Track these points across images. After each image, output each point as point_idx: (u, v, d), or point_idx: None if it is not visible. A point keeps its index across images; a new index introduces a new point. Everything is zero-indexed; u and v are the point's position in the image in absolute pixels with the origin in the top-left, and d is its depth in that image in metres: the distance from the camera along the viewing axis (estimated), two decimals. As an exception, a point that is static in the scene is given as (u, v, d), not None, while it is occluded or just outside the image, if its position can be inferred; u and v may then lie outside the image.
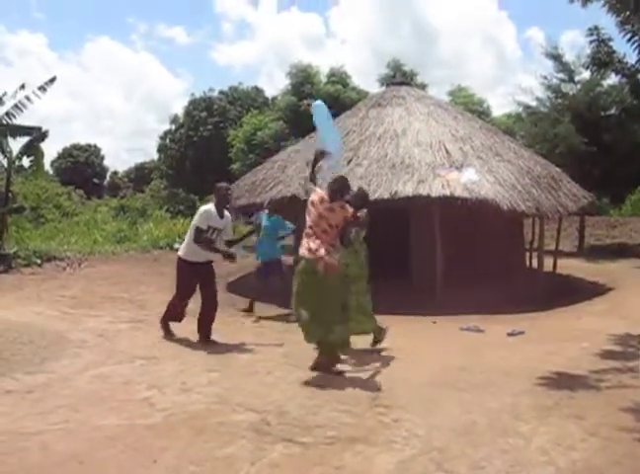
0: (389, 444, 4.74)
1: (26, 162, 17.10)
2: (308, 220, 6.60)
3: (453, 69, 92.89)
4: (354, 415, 5.35)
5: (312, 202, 6.63)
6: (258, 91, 42.04)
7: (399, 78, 14.49)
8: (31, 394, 5.97)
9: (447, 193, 10.26)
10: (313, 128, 16.13)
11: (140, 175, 70.17)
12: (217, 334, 8.34)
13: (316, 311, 6.45)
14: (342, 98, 21.47)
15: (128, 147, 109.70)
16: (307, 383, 6.25)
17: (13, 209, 17.47)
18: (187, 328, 8.69)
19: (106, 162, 75.87)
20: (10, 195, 17.14)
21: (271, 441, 4.79)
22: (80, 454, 4.56)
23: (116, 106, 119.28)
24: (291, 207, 11.89)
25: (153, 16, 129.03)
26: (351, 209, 6.59)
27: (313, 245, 6.43)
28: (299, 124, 20.48)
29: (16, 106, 16.17)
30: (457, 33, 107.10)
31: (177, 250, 9.03)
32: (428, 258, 11.11)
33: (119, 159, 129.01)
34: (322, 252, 6.36)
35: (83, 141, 74.01)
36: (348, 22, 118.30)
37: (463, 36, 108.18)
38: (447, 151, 11.45)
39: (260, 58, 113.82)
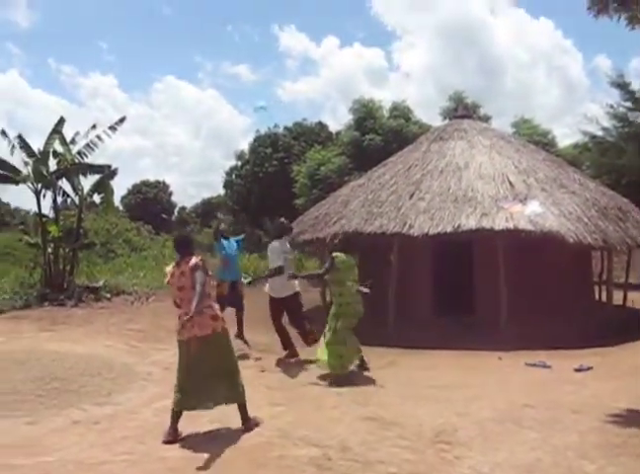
0: (451, 482, 4.70)
1: (97, 199, 17.71)
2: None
3: (519, 100, 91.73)
4: (415, 451, 5.33)
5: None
6: (322, 126, 42.36)
7: (461, 111, 14.43)
8: (97, 425, 6.21)
9: (511, 226, 10.15)
10: (376, 162, 16.40)
11: (207, 210, 71.24)
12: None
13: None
14: (404, 132, 21.54)
15: (195, 182, 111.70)
16: (370, 419, 6.23)
17: (84, 245, 18.02)
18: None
19: (173, 198, 77.41)
20: (81, 231, 17.72)
21: (331, 477, 4.80)
22: (143, 486, 4.69)
23: (183, 142, 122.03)
24: (354, 242, 11.96)
25: (219, 54, 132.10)
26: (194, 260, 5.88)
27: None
28: (362, 159, 20.63)
29: (87, 145, 16.83)
30: (522, 63, 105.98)
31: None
32: (492, 291, 10.94)
33: (186, 194, 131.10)
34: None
35: (152, 177, 75.88)
36: (411, 55, 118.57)
37: (528, 66, 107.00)
38: (511, 183, 11.35)
39: (323, 94, 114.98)
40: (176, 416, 5.86)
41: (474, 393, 7.17)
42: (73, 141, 16.99)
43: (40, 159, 16.17)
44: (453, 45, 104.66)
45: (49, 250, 16.23)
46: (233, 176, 41.82)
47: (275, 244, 9.29)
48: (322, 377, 8.18)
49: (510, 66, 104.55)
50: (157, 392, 7.48)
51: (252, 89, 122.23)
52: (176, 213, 78.77)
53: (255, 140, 40.03)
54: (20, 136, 16.40)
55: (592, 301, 13.05)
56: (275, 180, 36.61)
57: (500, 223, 10.22)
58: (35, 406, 6.81)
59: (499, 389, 7.38)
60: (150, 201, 70.34)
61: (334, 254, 8.56)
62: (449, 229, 10.33)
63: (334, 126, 42.33)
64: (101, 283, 16.73)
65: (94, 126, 16.93)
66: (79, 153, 16.86)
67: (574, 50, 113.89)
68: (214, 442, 5.65)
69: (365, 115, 22.45)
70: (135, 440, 5.69)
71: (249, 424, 6.00)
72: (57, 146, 16.69)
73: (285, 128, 40.99)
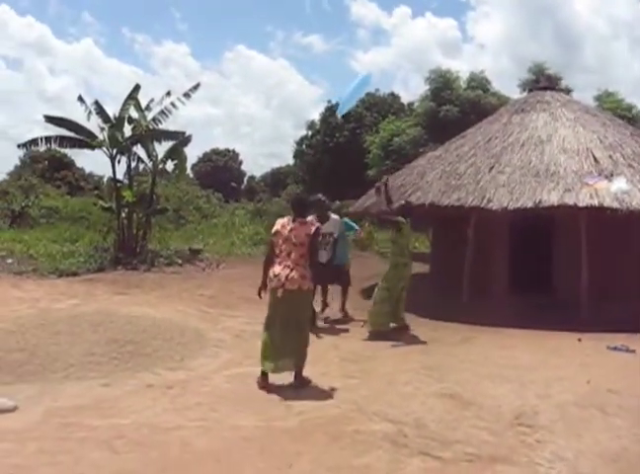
0: (532, 467, 4.52)
1: (169, 166, 17.91)
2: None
3: (598, 74, 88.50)
4: (494, 433, 5.13)
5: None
6: (394, 97, 41.92)
7: (544, 82, 13.85)
8: (171, 390, 6.21)
9: (596, 203, 9.68)
10: (452, 134, 15.98)
11: (276, 180, 71.57)
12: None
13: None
14: (482, 103, 20.93)
15: (265, 152, 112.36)
16: (447, 396, 6.06)
17: (157, 211, 18.27)
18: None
19: (243, 167, 78.17)
20: (154, 196, 17.95)
21: (407, 454, 4.68)
22: (217, 453, 4.66)
23: (254, 112, 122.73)
24: (430, 214, 11.72)
25: (290, 24, 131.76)
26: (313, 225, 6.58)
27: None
28: (438, 130, 20.11)
29: (162, 111, 17.01)
30: (602, 36, 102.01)
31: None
32: (572, 271, 10.54)
33: (256, 164, 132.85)
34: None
35: (222, 146, 76.64)
36: (485, 26, 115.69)
37: (609, 39, 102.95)
38: (596, 159, 10.82)
39: (395, 64, 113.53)
40: (262, 377, 6.33)
41: (554, 375, 6.88)
42: (148, 108, 17.19)
43: (116, 125, 16.42)
44: (530, 16, 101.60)
45: (123, 215, 16.54)
46: (303, 146, 41.89)
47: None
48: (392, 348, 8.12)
49: (589, 38, 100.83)
50: (229, 359, 7.48)
51: (323, 59, 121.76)
52: (245, 182, 79.46)
53: (326, 110, 39.82)
54: (96, 102, 16.70)
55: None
56: (345, 150, 36.43)
57: (584, 200, 9.75)
58: (109, 368, 6.88)
59: (580, 372, 7.05)
60: (220, 170, 71.20)
61: (399, 218, 9.22)
62: (530, 204, 9.92)
63: (406, 98, 41.95)
64: (201, 246, 18.04)
65: (168, 93, 17.10)
66: (153, 120, 17.06)
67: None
68: (289, 410, 5.60)
69: (442, 85, 21.90)
70: (208, 407, 5.66)
71: (302, 381, 6.39)
72: (132, 112, 16.95)
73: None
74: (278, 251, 6.38)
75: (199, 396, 6.00)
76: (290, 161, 50.47)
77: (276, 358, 6.29)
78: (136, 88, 16.92)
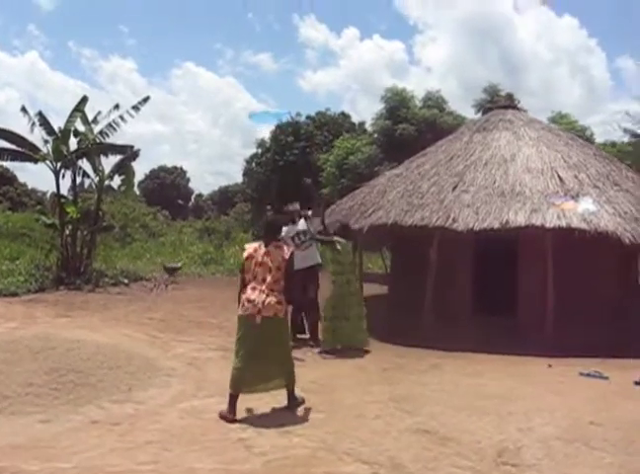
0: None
1: (116, 181, 17.25)
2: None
3: (541, 99, 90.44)
4: (479, 473, 4.66)
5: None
6: (345, 116, 41.75)
7: (505, 101, 13.64)
8: (117, 426, 5.64)
9: (563, 223, 9.42)
10: (408, 153, 15.71)
11: (224, 198, 71.15)
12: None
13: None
14: (438, 122, 20.78)
15: (213, 170, 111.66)
16: (421, 431, 5.59)
17: (103, 228, 17.54)
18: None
19: (190, 184, 77.40)
20: (100, 213, 17.23)
21: (385, 502, 4.19)
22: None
23: (201, 129, 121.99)
24: (387, 234, 11.35)
25: (239, 43, 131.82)
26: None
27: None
28: (394, 149, 19.90)
29: (109, 125, 16.42)
30: (545, 62, 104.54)
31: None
32: (536, 292, 10.27)
33: (203, 182, 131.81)
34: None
35: (170, 164, 75.79)
36: (432, 50, 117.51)
37: (551, 65, 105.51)
38: (561, 179, 10.58)
39: (343, 85, 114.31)
40: (233, 400, 5.94)
41: (531, 406, 6.49)
42: (95, 121, 16.60)
43: (61, 137, 15.72)
44: (476, 41, 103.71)
45: (67, 232, 15.78)
46: (253, 164, 41.32)
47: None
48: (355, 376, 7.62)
49: (533, 64, 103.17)
50: (181, 390, 6.89)
51: (272, 78, 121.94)
52: (192, 200, 78.57)
53: (276, 128, 39.42)
54: (40, 113, 16.00)
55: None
56: (296, 168, 36.06)
57: (551, 220, 9.47)
58: (49, 401, 6.22)
59: (557, 402, 6.69)
60: (167, 187, 70.32)
61: (335, 238, 9.57)
62: (497, 225, 9.59)
63: (355, 118, 41.87)
64: (179, 264, 18.62)
65: (116, 106, 16.54)
66: (101, 133, 16.48)
67: (598, 50, 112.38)
68: (249, 451, 5.06)
69: (398, 103, 21.69)
70: (160, 447, 5.09)
71: (294, 403, 6.27)
72: (79, 125, 16.27)
73: (308, 117, 40.39)
74: (250, 276, 6.15)
75: (149, 434, 5.42)
76: (238, 179, 50.05)
77: (264, 381, 6.18)
78: (83, 100, 16.24)
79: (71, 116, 15.93)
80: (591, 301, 10.18)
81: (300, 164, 36.05)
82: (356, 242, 10.82)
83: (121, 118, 16.42)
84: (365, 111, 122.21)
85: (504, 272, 10.91)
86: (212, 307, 12.65)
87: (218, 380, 7.14)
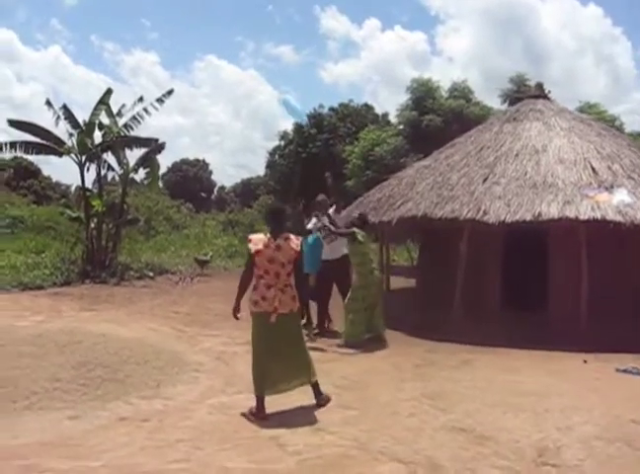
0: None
1: (139, 175, 17.21)
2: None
3: (565, 89, 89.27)
4: (519, 474, 4.52)
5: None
6: (368, 108, 41.53)
7: (535, 90, 13.34)
8: (147, 423, 5.53)
9: (598, 215, 9.17)
10: (435, 144, 15.50)
11: (246, 190, 71.16)
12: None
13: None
14: (465, 113, 20.51)
15: (234, 163, 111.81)
16: (457, 430, 5.43)
17: (128, 221, 17.51)
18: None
19: (213, 177, 77.38)
20: (125, 206, 17.20)
21: (425, 503, 4.06)
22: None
23: (223, 122, 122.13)
24: (416, 226, 11.18)
25: (260, 35, 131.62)
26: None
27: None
28: (420, 140, 19.66)
29: (134, 118, 16.34)
30: (569, 51, 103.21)
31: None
32: (569, 287, 10.04)
33: (225, 174, 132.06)
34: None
35: (192, 156, 75.92)
36: (454, 40, 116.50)
37: (576, 54, 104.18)
38: (594, 170, 10.33)
39: (365, 76, 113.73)
40: (260, 401, 5.80)
41: (568, 403, 6.29)
42: (119, 114, 16.56)
43: (86, 131, 15.69)
44: (498, 31, 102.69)
45: (92, 225, 15.76)
46: (276, 156, 41.24)
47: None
48: (387, 373, 7.46)
49: (556, 53, 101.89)
50: (210, 386, 6.79)
51: (293, 70, 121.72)
52: (215, 193, 78.67)
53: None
54: (65, 107, 15.95)
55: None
56: (319, 160, 35.90)
57: (585, 212, 9.24)
58: (77, 397, 6.17)
59: (595, 400, 6.47)
60: (190, 180, 70.42)
61: (354, 229, 9.29)
62: (529, 217, 9.36)
63: (377, 109, 41.63)
64: (209, 257, 18.54)
65: (141, 99, 16.49)
66: (125, 126, 16.40)
67: (623, 39, 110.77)
68: (282, 449, 4.93)
69: (424, 94, 21.42)
70: (191, 445, 4.98)
71: (321, 399, 6.12)
72: (103, 118, 16.21)
73: (331, 109, 40.22)
74: (261, 272, 5.88)
75: (179, 431, 5.31)
76: (260, 171, 50.04)
77: (286, 380, 6.00)
78: (108, 92, 16.19)
79: (96, 108, 15.89)
80: (624, 295, 9.93)
81: (323, 156, 35.91)
82: (375, 233, 10.71)
83: (146, 110, 16.38)
84: (387, 102, 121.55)
85: (534, 265, 10.70)
86: (239, 300, 12.59)
87: (247, 376, 6.96)
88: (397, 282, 14.49)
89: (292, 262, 5.91)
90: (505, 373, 7.55)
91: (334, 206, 10.17)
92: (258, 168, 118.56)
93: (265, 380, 5.85)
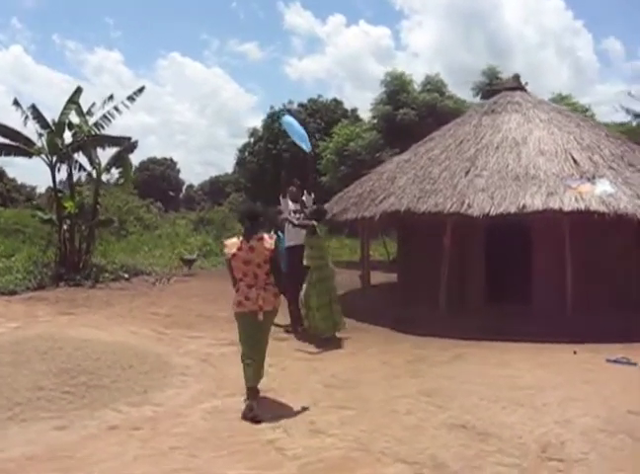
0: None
1: (113, 174, 16.88)
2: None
3: (529, 82, 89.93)
4: (525, 471, 4.50)
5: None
6: (337, 103, 41.35)
7: (512, 83, 13.27)
8: (138, 431, 5.32)
9: (582, 206, 9.16)
10: (410, 138, 15.46)
11: (215, 188, 70.78)
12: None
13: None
14: (439, 106, 20.46)
15: (201, 160, 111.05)
16: (458, 427, 5.34)
17: (101, 222, 17.17)
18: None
19: (180, 175, 76.78)
20: (98, 207, 16.87)
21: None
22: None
23: (189, 120, 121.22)
24: (400, 220, 11.09)
25: (224, 32, 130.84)
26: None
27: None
28: (395, 134, 19.57)
29: (104, 116, 16.00)
30: (532, 45, 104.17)
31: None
32: (552, 278, 10.07)
33: (192, 172, 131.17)
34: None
35: (159, 155, 75.19)
36: (419, 35, 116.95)
37: (538, 47, 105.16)
38: (575, 161, 10.32)
39: (330, 72, 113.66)
40: (252, 393, 5.90)
41: (564, 395, 6.25)
42: (89, 113, 16.15)
43: (56, 130, 15.29)
44: (462, 25, 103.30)
45: (65, 227, 15.39)
46: (246, 153, 40.91)
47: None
48: (378, 370, 7.35)
49: (519, 47, 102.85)
50: (199, 390, 6.60)
51: (258, 67, 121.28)
52: (183, 191, 78.05)
53: (269, 116, 39.03)
54: (33, 106, 15.54)
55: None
56: (289, 157, 35.75)
57: (569, 204, 9.21)
58: (63, 406, 5.91)
59: (589, 391, 6.45)
60: (158, 179, 69.63)
61: (312, 222, 9.22)
62: (513, 209, 9.32)
63: (346, 104, 41.55)
64: (194, 256, 18.67)
65: (111, 97, 16.09)
66: (96, 125, 16.04)
67: (584, 32, 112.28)
68: (281, 454, 4.77)
69: (398, 88, 21.33)
70: (187, 453, 4.79)
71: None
72: (73, 117, 15.85)
73: (300, 105, 40.00)
74: (240, 274, 6.05)
75: (173, 438, 5.11)
76: (228, 169, 49.71)
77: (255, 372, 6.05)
78: (77, 91, 15.83)
79: (65, 108, 15.53)
80: (607, 285, 10.00)
81: (294, 152, 35.76)
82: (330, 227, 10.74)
83: (116, 109, 16.03)
84: (353, 97, 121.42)
85: (516, 258, 10.70)
86: (219, 300, 12.35)
87: (237, 378, 6.80)
88: (376, 277, 14.39)
89: (268, 261, 6.00)
90: (497, 368, 7.49)
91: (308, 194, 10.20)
92: (225, 165, 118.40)
93: (256, 369, 6.03)
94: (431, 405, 6.00)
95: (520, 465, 4.55)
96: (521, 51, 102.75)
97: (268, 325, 6.20)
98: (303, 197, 10.00)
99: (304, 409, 5.85)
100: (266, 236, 6.14)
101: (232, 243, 6.11)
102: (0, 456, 4.68)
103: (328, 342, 8.87)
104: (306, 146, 10.49)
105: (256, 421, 5.50)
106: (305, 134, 10.54)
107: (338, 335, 9.22)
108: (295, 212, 9.93)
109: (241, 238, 6.07)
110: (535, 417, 5.61)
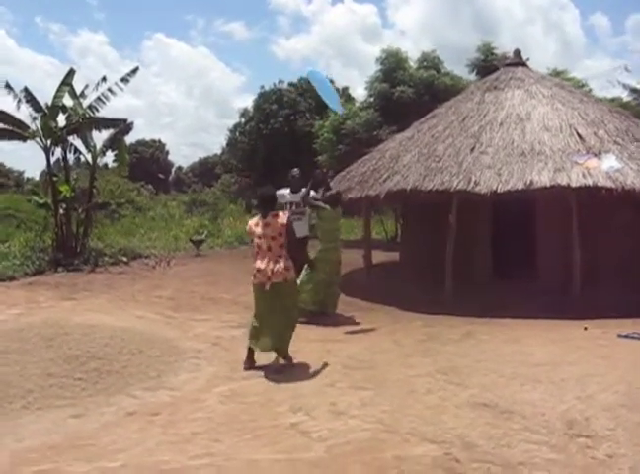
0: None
1: (109, 157, 16.69)
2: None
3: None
4: (555, 448, 4.41)
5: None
6: (329, 82, 41.04)
7: (514, 58, 13.15)
8: (157, 416, 5.22)
9: (590, 182, 9.11)
10: (408, 116, 15.33)
11: (204, 170, 70.50)
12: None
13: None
14: (436, 83, 20.28)
15: (189, 142, 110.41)
16: (480, 405, 5.30)
17: (98, 206, 17.00)
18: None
19: (169, 157, 76.38)
20: (94, 190, 16.69)
21: (471, 485, 3.90)
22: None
23: (175, 101, 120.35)
24: (410, 199, 11.01)
25: (209, 12, 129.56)
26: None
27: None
28: (392, 112, 19.40)
29: (98, 98, 15.79)
30: (519, 20, 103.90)
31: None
32: (558, 254, 10.06)
33: (179, 154, 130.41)
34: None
35: (146, 137, 74.74)
36: (405, 12, 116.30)
37: (525, 23, 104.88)
38: (580, 136, 10.24)
39: (316, 51, 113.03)
40: (250, 353, 6.69)
41: (581, 372, 6.21)
42: (83, 95, 15.90)
43: (50, 113, 15.06)
44: (449, 2, 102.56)
45: (61, 211, 15.22)
46: (237, 134, 40.56)
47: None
48: (391, 351, 7.32)
49: (506, 23, 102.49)
50: (214, 373, 6.50)
51: (245, 47, 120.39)
52: (173, 173, 77.70)
53: (259, 96, 38.69)
54: (26, 89, 15.26)
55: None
56: (280, 137, 35.54)
57: (577, 179, 9.17)
58: (77, 393, 5.81)
59: (606, 367, 6.42)
60: (147, 161, 69.25)
61: (319, 204, 9.38)
62: (521, 186, 9.24)
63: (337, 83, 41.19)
64: (204, 236, 19.12)
65: (104, 79, 15.85)
66: (90, 107, 15.80)
67: (571, 6, 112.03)
68: (306, 436, 4.71)
69: (395, 65, 21.11)
70: (209, 438, 4.71)
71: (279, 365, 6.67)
72: (67, 100, 15.60)
73: (290, 84, 39.64)
74: (256, 248, 6.65)
75: (193, 423, 5.03)
76: (216, 150, 49.37)
77: (256, 337, 6.60)
78: (70, 72, 15.58)
79: (59, 90, 15.27)
80: (614, 260, 9.98)
81: (285, 132, 35.53)
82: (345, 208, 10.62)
83: (110, 90, 15.81)
84: (340, 76, 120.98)
85: (521, 234, 10.67)
86: (222, 282, 12.29)
87: (252, 360, 6.88)
88: (377, 256, 14.33)
89: (282, 234, 6.52)
90: (510, 344, 7.46)
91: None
92: (213, 147, 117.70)
93: (255, 336, 6.59)
94: (449, 383, 5.95)
95: (549, 442, 4.50)
96: (509, 27, 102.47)
97: (281, 297, 6.51)
98: (313, 193, 9.82)
99: (323, 388, 5.81)
100: (280, 213, 6.76)
101: (252, 222, 6.77)
102: (20, 446, 4.59)
103: (312, 317, 8.98)
104: (337, 107, 10.61)
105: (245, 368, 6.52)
106: (337, 95, 10.50)
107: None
108: (292, 205, 9.94)
109: (259, 216, 6.69)
110: (556, 393, 5.57)
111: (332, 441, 4.60)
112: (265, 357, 6.70)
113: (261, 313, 6.59)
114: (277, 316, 6.51)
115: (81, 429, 4.97)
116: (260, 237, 6.56)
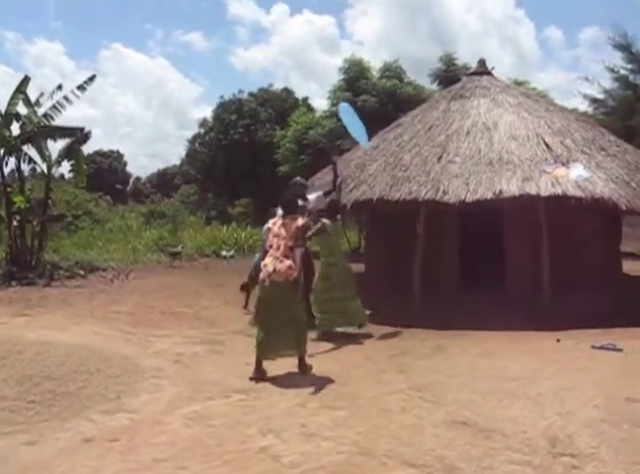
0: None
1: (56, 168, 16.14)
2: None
3: (474, 69, 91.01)
4: (539, 469, 4.24)
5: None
6: (288, 92, 40.91)
7: (479, 67, 13.14)
8: (116, 442, 4.84)
9: (559, 191, 9.04)
10: (371, 125, 15.15)
11: (162, 180, 69.66)
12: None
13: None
14: (399, 93, 20.23)
15: (147, 153, 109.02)
16: (459, 424, 5.07)
17: (54, 217, 16.45)
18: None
19: (127, 168, 75.18)
20: (50, 201, 16.16)
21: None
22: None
23: (133, 112, 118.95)
24: (377, 209, 10.82)
25: (168, 22, 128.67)
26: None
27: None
28: (357, 121, 19.30)
29: (54, 107, 15.30)
30: (475, 33, 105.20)
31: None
32: (525, 264, 9.95)
33: (137, 165, 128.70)
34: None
35: (104, 148, 73.40)
36: (363, 23, 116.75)
37: (481, 36, 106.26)
38: (547, 145, 10.19)
39: (276, 62, 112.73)
40: (258, 364, 6.63)
41: (558, 385, 6.06)
42: (37, 103, 15.40)
43: (3, 122, 14.54)
44: (406, 14, 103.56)
45: (15, 223, 14.67)
46: (196, 144, 40.22)
47: None
48: (363, 367, 7.07)
49: (462, 35, 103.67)
50: (176, 393, 6.14)
51: (204, 57, 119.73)
52: (131, 184, 76.56)
53: (219, 107, 38.45)
54: (-24, 97, 14.71)
55: (620, 273, 12.01)
56: (240, 147, 35.31)
57: (546, 189, 9.09)
58: (29, 417, 5.37)
59: (583, 379, 6.28)
60: (104, 172, 67.98)
61: (323, 220, 8.99)
62: (490, 195, 9.14)
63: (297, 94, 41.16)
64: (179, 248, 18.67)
65: (59, 87, 15.39)
66: (45, 116, 15.31)
67: (526, 20, 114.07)
68: (277, 461, 4.40)
69: (358, 74, 21.02)
70: (173, 465, 4.38)
71: (305, 368, 6.78)
72: (21, 108, 15.09)
73: (250, 94, 39.45)
74: (268, 246, 6.95)
75: (155, 449, 4.68)
76: (174, 161, 48.97)
77: (276, 351, 6.73)
78: (25, 80, 15.08)
79: (12, 98, 14.75)
80: (582, 269, 9.92)
81: (245, 142, 35.32)
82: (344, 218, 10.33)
83: (66, 98, 15.34)
84: (299, 87, 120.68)
85: (489, 243, 10.56)
86: (183, 296, 11.92)
87: (215, 379, 6.56)
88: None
89: (294, 237, 6.74)
90: (483, 358, 7.30)
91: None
92: (172, 157, 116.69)
93: (265, 345, 6.65)
94: (424, 401, 5.72)
95: (532, 462, 4.30)
96: (465, 40, 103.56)
97: (283, 299, 6.64)
98: (309, 196, 9.53)
99: (292, 408, 5.54)
100: (300, 218, 7.04)
101: (272, 221, 7.21)
102: (-34, 478, 4.23)
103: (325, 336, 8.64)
104: (365, 143, 10.48)
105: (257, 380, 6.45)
106: (364, 129, 10.22)
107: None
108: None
109: (279, 216, 7.09)
110: (535, 409, 5.40)
111: (304, 466, 4.32)
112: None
113: (266, 321, 6.74)
114: (286, 311, 6.68)
115: (35, 458, 4.58)
116: (274, 235, 6.87)
